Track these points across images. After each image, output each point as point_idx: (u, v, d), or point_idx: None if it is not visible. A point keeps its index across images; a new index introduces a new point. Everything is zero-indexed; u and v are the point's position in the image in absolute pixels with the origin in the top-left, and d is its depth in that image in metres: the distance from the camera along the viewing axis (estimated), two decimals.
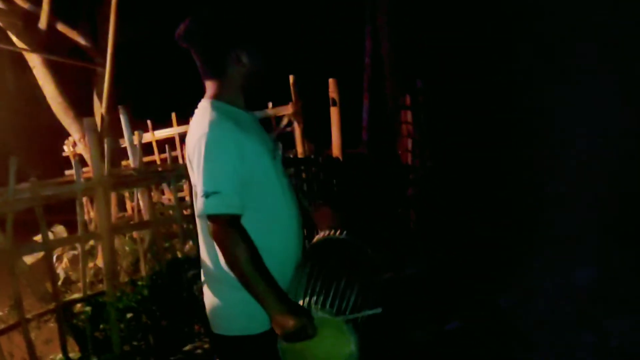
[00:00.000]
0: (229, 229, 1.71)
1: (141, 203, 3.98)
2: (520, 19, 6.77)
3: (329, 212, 2.13)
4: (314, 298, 1.75)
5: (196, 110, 1.87)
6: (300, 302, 1.75)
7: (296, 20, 9.05)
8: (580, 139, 5.97)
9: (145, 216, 3.88)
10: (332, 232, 2.00)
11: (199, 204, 1.71)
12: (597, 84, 6.12)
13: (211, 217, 1.71)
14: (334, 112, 5.00)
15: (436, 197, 6.29)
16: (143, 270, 3.70)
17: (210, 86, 1.87)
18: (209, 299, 1.90)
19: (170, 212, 4.34)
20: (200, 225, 1.87)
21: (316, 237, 2.01)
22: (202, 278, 1.94)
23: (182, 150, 5.08)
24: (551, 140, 6.16)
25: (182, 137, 5.07)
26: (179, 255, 3.92)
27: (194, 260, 3.65)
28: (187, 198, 4.84)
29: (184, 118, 5.34)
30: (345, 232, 1.99)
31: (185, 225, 3.86)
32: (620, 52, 6.31)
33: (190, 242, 3.93)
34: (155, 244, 3.72)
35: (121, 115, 4.01)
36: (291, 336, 1.72)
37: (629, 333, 3.57)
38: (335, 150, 5.11)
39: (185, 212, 3.93)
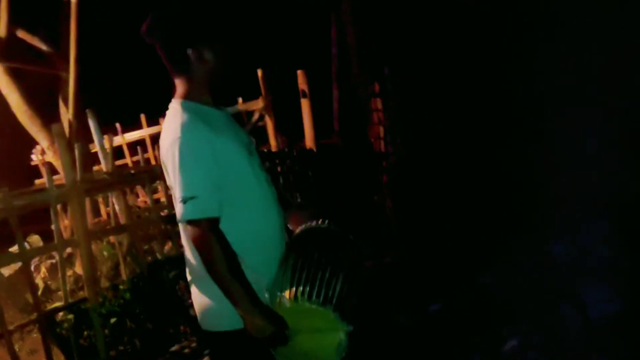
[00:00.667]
0: (206, 234, 1.71)
1: (116, 207, 3.93)
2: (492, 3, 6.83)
3: (305, 217, 2.14)
4: (300, 289, 1.77)
5: (167, 112, 1.85)
6: (287, 294, 1.76)
7: (261, 13, 9.00)
8: (549, 122, 6.07)
9: (122, 220, 3.84)
10: (315, 222, 2.01)
11: (177, 209, 1.72)
12: (567, 68, 6.23)
13: (189, 222, 1.72)
14: (305, 104, 5.01)
15: (410, 183, 6.34)
16: (123, 274, 3.67)
17: (178, 84, 1.85)
18: (197, 297, 1.90)
19: (147, 214, 4.30)
20: (181, 226, 1.86)
21: (299, 228, 2.02)
22: (188, 277, 1.94)
23: (154, 151, 5.02)
24: (523, 125, 6.25)
25: (153, 138, 5.02)
26: (159, 256, 3.90)
27: (174, 261, 3.64)
28: (163, 199, 4.80)
29: (154, 119, 5.28)
30: (327, 221, 2.01)
31: (163, 227, 3.84)
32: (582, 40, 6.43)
33: (170, 243, 3.91)
34: (134, 247, 3.69)
35: (90, 119, 3.95)
36: (264, 341, 1.75)
37: (606, 303, 3.67)
38: (309, 141, 5.11)
39: (162, 214, 3.91)
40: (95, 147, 4.08)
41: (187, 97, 1.82)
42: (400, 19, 7.27)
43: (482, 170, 6.03)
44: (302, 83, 4.91)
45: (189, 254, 1.88)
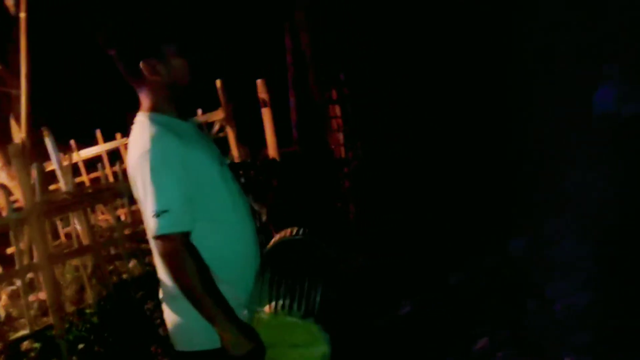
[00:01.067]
0: (177, 249, 1.66)
1: (78, 227, 3.81)
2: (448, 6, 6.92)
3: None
4: (280, 302, 1.74)
5: (133, 126, 1.80)
6: (267, 309, 1.74)
7: (216, 22, 8.90)
8: (507, 122, 6.24)
9: (85, 240, 3.72)
10: (288, 232, 1.99)
11: (149, 224, 1.67)
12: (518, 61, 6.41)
13: (159, 237, 1.66)
14: (266, 113, 4.98)
15: (372, 187, 6.37)
16: (89, 297, 3.55)
17: (142, 97, 1.81)
18: (169, 316, 1.85)
19: (109, 233, 4.19)
20: (152, 242, 1.79)
21: (272, 240, 2.00)
22: (161, 296, 1.88)
23: (111, 167, 4.91)
24: (480, 125, 6.38)
25: (110, 154, 4.90)
26: (124, 276, 3.79)
27: (141, 280, 3.55)
28: (123, 217, 4.68)
29: (109, 134, 5.16)
30: (300, 232, 1.99)
31: (127, 245, 3.74)
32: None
33: (135, 262, 3.81)
34: (99, 269, 3.58)
35: (46, 137, 3.82)
36: (241, 359, 1.71)
37: (569, 296, 3.77)
38: (271, 151, 5.09)
39: (126, 232, 3.81)
40: (50, 166, 3.95)
41: (153, 109, 1.78)
42: (354, 25, 7.32)
43: (443, 172, 6.13)
44: (262, 92, 4.89)
45: (161, 271, 1.82)
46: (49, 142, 3.80)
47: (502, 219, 4.95)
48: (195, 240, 1.71)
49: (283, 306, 1.74)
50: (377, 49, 7.51)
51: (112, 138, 5.06)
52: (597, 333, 3.30)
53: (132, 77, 1.79)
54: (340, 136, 6.61)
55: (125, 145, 5.18)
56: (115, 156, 4.97)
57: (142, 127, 1.75)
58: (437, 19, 6.92)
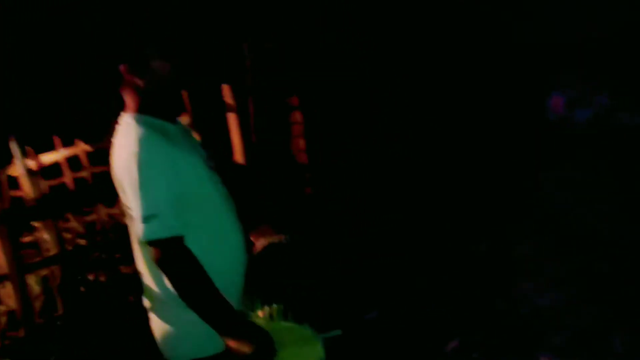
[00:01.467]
0: (171, 253, 1.62)
1: (45, 236, 3.66)
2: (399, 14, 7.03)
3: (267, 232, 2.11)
4: (273, 307, 1.74)
5: (118, 127, 1.77)
6: (260, 313, 1.73)
7: (178, 25, 8.70)
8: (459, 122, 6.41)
9: (53, 250, 3.58)
10: (274, 238, 1.99)
11: (138, 229, 1.62)
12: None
13: (152, 243, 1.62)
14: (232, 118, 4.92)
15: (333, 193, 6.40)
16: (60, 308, 3.41)
17: (128, 98, 1.77)
18: (158, 324, 1.81)
19: (78, 241, 4.04)
20: (140, 247, 1.77)
21: (259, 244, 1.99)
22: (147, 304, 1.84)
23: (71, 174, 4.73)
24: (433, 128, 6.53)
25: (70, 160, 4.72)
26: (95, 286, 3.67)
27: (114, 288, 3.46)
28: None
29: (68, 140, 4.96)
30: (287, 237, 1.99)
31: (98, 254, 3.63)
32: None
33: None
34: (69, 278, 3.45)
35: (11, 143, 3.66)
36: (250, 359, 1.67)
37: (535, 298, 3.88)
38: (238, 156, 5.03)
39: (97, 239, 3.70)
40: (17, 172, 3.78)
41: (139, 110, 1.75)
42: (316, 29, 7.33)
43: (407, 176, 6.22)
44: (227, 97, 4.83)
45: (148, 277, 1.78)
46: (14, 148, 3.64)
47: (466, 221, 5.07)
48: (188, 245, 1.66)
49: (277, 311, 1.73)
50: (338, 53, 7.60)
51: (71, 144, 4.87)
52: (568, 333, 3.42)
53: (114, 80, 1.76)
54: (302, 142, 6.63)
55: (86, 152, 5.02)
56: (75, 163, 4.78)
57: (128, 129, 1.71)
58: (404, 22, 7.04)
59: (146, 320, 1.87)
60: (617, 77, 6.77)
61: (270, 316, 1.73)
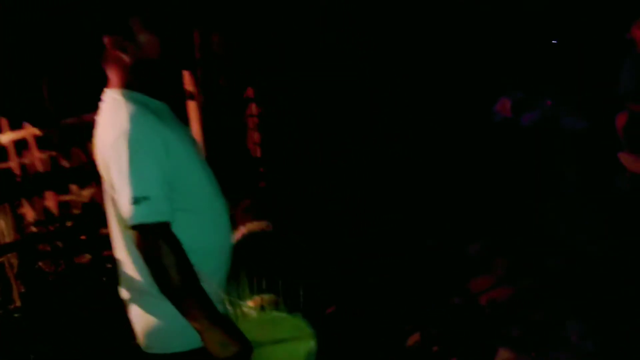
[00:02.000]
0: (159, 239, 1.53)
1: (1, 223, 3.45)
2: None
3: (251, 207, 2.09)
4: (265, 297, 1.72)
5: (104, 104, 1.67)
6: (251, 303, 1.69)
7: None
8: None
9: (9, 237, 3.38)
10: (258, 226, 1.97)
11: (125, 212, 1.52)
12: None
13: (138, 226, 1.52)
14: (192, 106, 4.80)
15: (285, 187, 6.37)
16: (17, 299, 3.22)
17: (112, 74, 1.68)
18: (139, 316, 1.72)
19: (33, 228, 3.83)
20: (122, 233, 1.68)
21: (241, 233, 1.96)
22: (126, 295, 1.76)
23: (18, 158, 4.50)
24: (390, 124, 6.64)
25: (18, 145, 4.50)
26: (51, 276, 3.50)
27: (72, 277, 3.32)
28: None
29: (16, 124, 4.72)
30: (271, 225, 1.98)
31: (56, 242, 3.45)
32: None
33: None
34: (25, 267, 3.26)
35: None
36: None
37: (491, 293, 4.00)
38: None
39: (50, 228, 3.52)
40: None
41: (126, 86, 1.65)
42: (271, 23, 7.24)
43: (360, 174, 6.27)
44: (189, 84, 4.71)
45: (130, 265, 1.68)
46: None
47: (418, 218, 5.17)
48: (176, 230, 1.57)
49: (268, 300, 1.70)
50: (293, 47, 7.55)
51: (19, 127, 4.64)
52: (524, 325, 3.53)
53: (97, 53, 1.67)
54: (256, 135, 6.55)
55: (34, 136, 4.79)
56: (22, 146, 4.56)
57: (116, 106, 1.61)
58: (360, 18, 7.09)
59: (119, 311, 1.80)
60: (561, 82, 7.11)
61: (262, 306, 1.69)
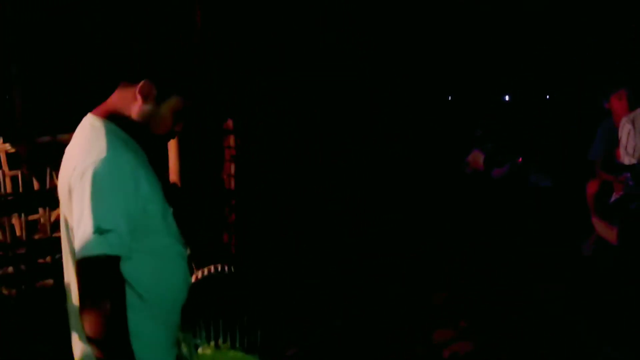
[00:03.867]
0: (105, 274, 1.47)
1: None
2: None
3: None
4: (220, 338, 1.69)
5: (81, 128, 1.66)
6: (207, 344, 1.66)
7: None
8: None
9: None
10: (212, 268, 1.95)
11: (82, 240, 1.46)
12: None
13: (92, 258, 1.46)
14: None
15: (256, 220, 6.34)
16: None
17: (112, 102, 1.68)
18: (78, 342, 1.67)
19: None
20: (70, 257, 1.63)
21: (199, 274, 1.94)
22: (72, 321, 1.69)
23: None
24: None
25: None
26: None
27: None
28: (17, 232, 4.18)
29: None
30: (226, 268, 1.96)
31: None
32: None
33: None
34: None
35: None
36: None
37: (453, 346, 4.06)
38: (173, 176, 4.89)
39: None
40: None
41: (113, 119, 1.65)
42: (251, 52, 7.24)
43: (332, 207, 6.31)
44: None
45: (74, 292, 1.63)
46: None
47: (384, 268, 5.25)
48: (132, 271, 1.56)
49: (224, 341, 1.68)
50: (273, 79, 7.57)
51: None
52: None
53: (126, 80, 1.66)
54: (232, 167, 6.51)
55: (6, 152, 4.71)
56: None
57: (95, 133, 1.60)
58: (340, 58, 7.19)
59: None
60: (529, 140, 7.35)
61: (217, 346, 1.66)
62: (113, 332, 1.47)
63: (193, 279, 1.87)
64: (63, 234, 1.65)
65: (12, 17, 7.11)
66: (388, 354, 3.93)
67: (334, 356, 3.93)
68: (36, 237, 4.00)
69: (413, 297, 4.74)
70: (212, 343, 1.65)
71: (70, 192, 1.54)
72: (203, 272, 1.92)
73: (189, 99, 1.71)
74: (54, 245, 3.82)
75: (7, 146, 4.72)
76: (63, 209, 1.63)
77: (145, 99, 1.65)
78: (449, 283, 4.89)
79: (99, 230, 1.45)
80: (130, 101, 1.65)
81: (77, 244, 1.47)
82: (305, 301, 4.63)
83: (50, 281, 3.77)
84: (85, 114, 1.70)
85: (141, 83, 1.63)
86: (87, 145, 1.57)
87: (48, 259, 3.88)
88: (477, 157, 6.97)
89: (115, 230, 1.47)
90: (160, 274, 1.66)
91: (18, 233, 3.97)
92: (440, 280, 4.98)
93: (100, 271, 1.47)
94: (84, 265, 1.47)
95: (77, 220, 1.49)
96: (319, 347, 4.01)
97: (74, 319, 1.67)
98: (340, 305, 4.59)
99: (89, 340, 1.48)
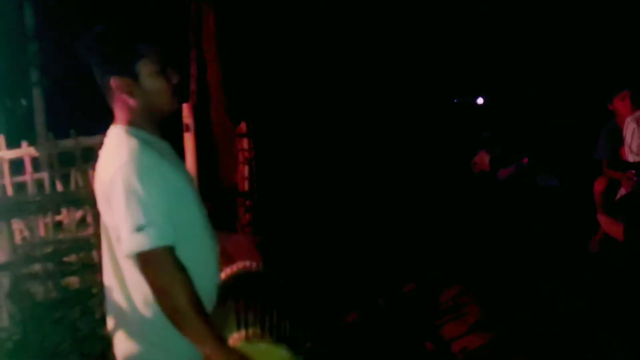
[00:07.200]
0: (165, 264, 1.58)
1: None
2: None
3: (245, 241, 2.18)
4: (250, 330, 1.74)
5: (107, 138, 1.76)
6: (237, 335, 1.73)
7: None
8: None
9: (2, 256, 3.43)
10: (246, 265, 2.03)
11: (127, 241, 1.57)
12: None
13: (145, 253, 1.57)
14: (189, 139, 4.88)
15: (272, 222, 6.42)
16: (4, 319, 3.25)
17: (117, 111, 1.76)
18: (122, 342, 1.76)
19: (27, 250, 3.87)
20: (113, 262, 1.73)
21: (229, 271, 2.01)
22: (112, 323, 1.80)
23: (11, 177, 4.54)
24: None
25: (13, 163, 4.54)
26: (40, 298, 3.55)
27: (61, 302, 3.37)
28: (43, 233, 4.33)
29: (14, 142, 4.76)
30: (259, 265, 2.04)
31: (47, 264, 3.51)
32: None
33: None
34: (16, 287, 3.32)
35: None
36: None
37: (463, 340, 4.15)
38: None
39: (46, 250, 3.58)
40: None
41: (131, 123, 1.74)
42: (265, 57, 7.32)
43: (346, 214, 6.39)
44: (186, 117, 4.78)
45: (118, 294, 1.73)
46: None
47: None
48: None
49: (255, 333, 1.74)
50: (286, 84, 7.63)
51: (18, 146, 4.69)
52: None
53: (104, 92, 1.74)
54: (246, 169, 6.65)
55: (30, 156, 4.84)
56: (18, 166, 4.61)
57: (119, 140, 1.70)
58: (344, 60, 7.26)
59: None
60: (537, 141, 7.40)
61: (247, 338, 1.72)
62: (190, 307, 1.58)
63: (223, 276, 1.96)
64: (104, 240, 1.76)
65: (31, 25, 7.32)
66: (399, 348, 4.04)
67: (347, 350, 4.03)
68: (61, 236, 4.17)
69: (423, 293, 4.87)
70: (243, 334, 1.72)
71: (108, 199, 1.65)
72: (232, 269, 2.01)
73: (152, 52, 1.74)
74: (79, 245, 4.00)
75: (32, 150, 4.85)
76: (104, 217, 1.73)
77: (128, 92, 1.72)
78: (458, 279, 4.98)
79: (138, 228, 1.55)
80: (125, 102, 1.73)
81: (125, 244, 1.58)
82: (318, 298, 4.74)
83: (75, 279, 3.92)
84: (106, 118, 1.81)
85: (110, 84, 1.70)
86: (113, 153, 1.68)
87: (73, 257, 4.02)
88: (483, 158, 7.05)
89: (155, 224, 1.57)
90: (193, 264, 1.69)
91: (44, 233, 4.11)
92: (450, 276, 5.08)
93: (154, 262, 1.57)
94: (140, 260, 1.59)
95: (120, 222, 1.59)
96: (332, 342, 4.11)
97: (119, 318, 1.76)
98: (352, 301, 4.70)
99: (174, 323, 1.60)
